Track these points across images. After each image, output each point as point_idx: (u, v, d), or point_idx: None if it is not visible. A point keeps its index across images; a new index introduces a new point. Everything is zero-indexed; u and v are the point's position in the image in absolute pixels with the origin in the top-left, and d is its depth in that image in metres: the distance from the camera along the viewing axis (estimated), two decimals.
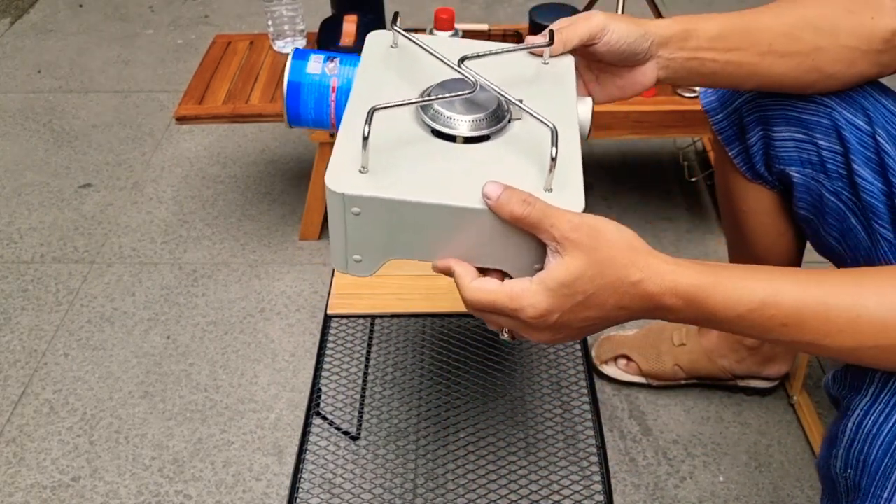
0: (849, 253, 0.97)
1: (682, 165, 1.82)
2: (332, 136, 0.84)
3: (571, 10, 1.53)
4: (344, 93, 0.80)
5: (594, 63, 0.87)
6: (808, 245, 1.07)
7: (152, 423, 1.34)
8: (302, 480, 0.99)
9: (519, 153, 0.68)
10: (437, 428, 1.29)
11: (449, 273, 0.70)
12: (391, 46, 0.79)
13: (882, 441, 0.68)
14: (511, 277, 0.69)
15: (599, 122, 1.48)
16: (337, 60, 0.82)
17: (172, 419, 1.35)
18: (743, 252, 1.19)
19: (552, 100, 0.75)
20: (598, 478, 1.09)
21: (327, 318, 1.16)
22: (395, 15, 0.79)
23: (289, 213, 1.77)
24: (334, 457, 1.26)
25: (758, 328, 0.68)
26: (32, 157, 1.97)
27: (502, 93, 0.70)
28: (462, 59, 0.72)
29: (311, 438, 1.14)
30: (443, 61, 0.72)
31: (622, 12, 1.52)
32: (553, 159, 0.64)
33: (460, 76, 0.71)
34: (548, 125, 0.66)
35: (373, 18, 1.50)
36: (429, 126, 0.69)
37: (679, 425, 1.32)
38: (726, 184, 1.14)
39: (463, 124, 0.69)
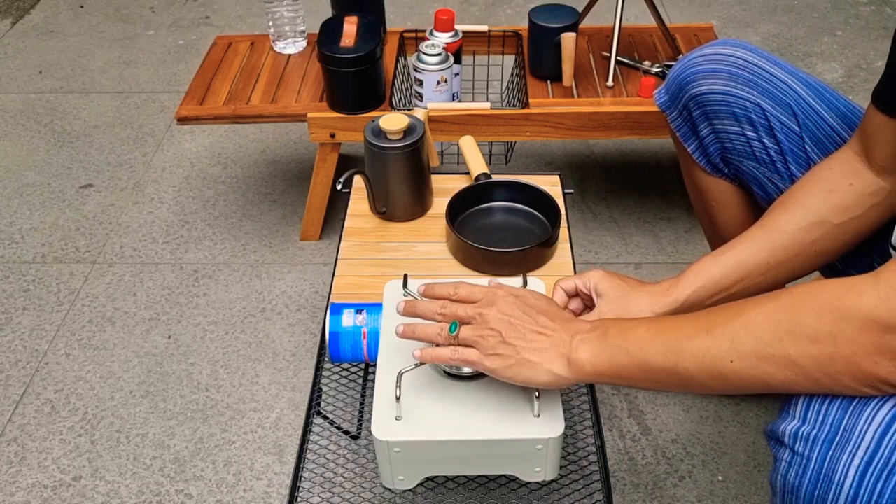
0: None
1: None
2: (365, 363, 1.07)
3: (571, 12, 1.53)
4: (372, 336, 1.00)
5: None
6: None
7: (153, 423, 1.35)
8: (303, 479, 0.99)
9: (509, 386, 0.84)
10: None
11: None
12: (404, 294, 0.97)
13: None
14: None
15: (599, 122, 1.49)
16: (364, 312, 1.01)
17: (173, 419, 1.35)
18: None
19: None
20: (597, 477, 1.09)
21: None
22: (405, 277, 0.95)
23: (289, 213, 1.78)
24: (335, 456, 1.26)
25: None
26: (34, 157, 1.98)
27: None
28: None
29: (312, 437, 1.14)
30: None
31: (622, 12, 1.53)
32: (537, 396, 0.83)
33: None
34: None
35: (373, 19, 1.50)
36: (440, 368, 0.90)
37: (678, 424, 1.32)
38: (692, 181, 1.15)
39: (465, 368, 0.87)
